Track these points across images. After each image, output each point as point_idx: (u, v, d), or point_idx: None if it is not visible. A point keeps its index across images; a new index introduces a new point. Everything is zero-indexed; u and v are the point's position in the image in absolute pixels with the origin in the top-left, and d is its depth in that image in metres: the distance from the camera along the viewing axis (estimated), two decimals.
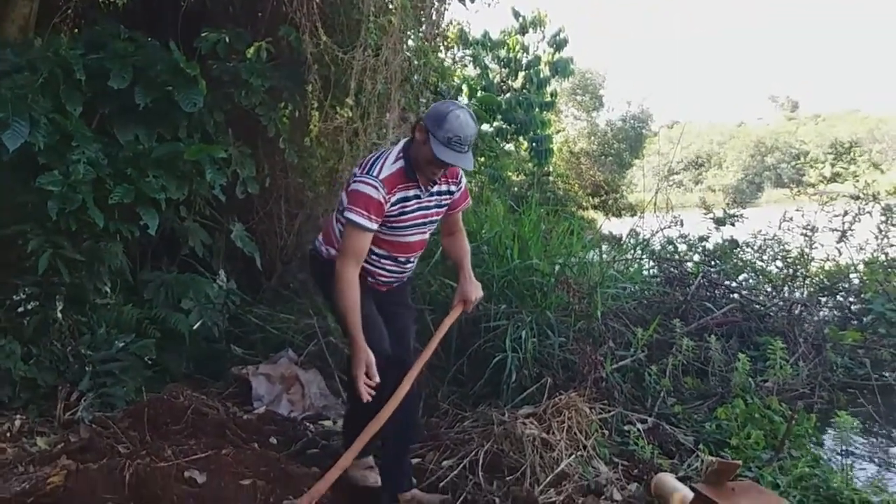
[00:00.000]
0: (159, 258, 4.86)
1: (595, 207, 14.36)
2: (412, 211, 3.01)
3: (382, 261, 3.08)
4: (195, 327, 4.45)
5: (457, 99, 7.09)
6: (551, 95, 8.39)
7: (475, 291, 3.37)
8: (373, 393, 2.84)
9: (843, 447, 3.66)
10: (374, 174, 2.86)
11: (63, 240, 3.86)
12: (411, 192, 2.97)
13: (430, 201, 3.07)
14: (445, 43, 6.19)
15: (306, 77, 4.62)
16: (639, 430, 3.85)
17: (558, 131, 14.46)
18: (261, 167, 4.91)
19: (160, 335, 4.32)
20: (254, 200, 5.19)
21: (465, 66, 8.10)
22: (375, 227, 2.89)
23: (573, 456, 3.40)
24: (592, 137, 18.87)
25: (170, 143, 4.19)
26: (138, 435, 3.34)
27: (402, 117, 5.06)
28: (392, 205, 2.92)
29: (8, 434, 3.54)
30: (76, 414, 3.73)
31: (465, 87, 7.21)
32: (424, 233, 3.16)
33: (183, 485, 2.81)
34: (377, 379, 2.85)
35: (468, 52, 7.78)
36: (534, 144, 8.07)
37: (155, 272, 4.68)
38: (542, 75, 8.11)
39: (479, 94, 7.05)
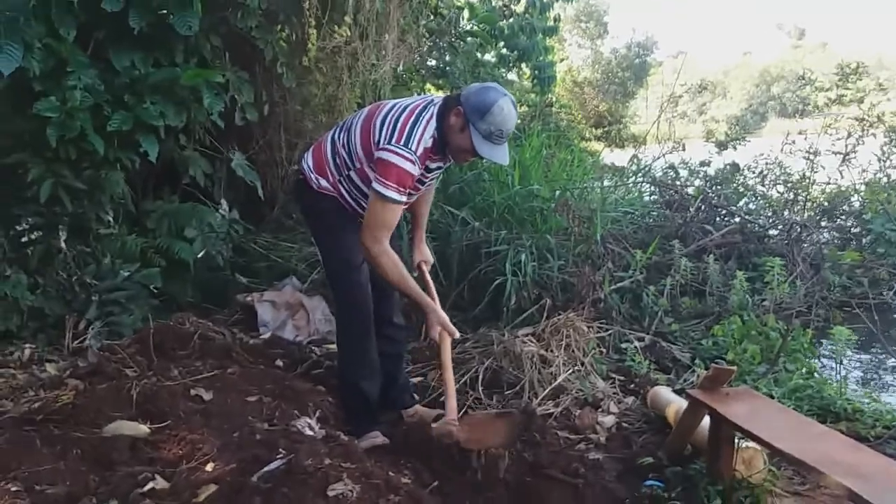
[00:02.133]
0: (161, 188, 4.86)
1: (598, 139, 14.23)
2: (430, 179, 2.97)
3: None
4: (199, 256, 4.48)
5: (458, 23, 6.93)
6: (555, 20, 8.19)
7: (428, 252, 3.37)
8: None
9: (838, 359, 3.73)
10: (413, 148, 2.67)
11: (63, 168, 3.84)
12: (434, 165, 2.87)
13: (444, 167, 3.05)
14: None
15: None
16: (636, 347, 3.93)
17: (562, 60, 14.20)
18: (259, 95, 4.84)
19: (165, 264, 4.35)
20: (253, 130, 5.14)
21: None
22: (406, 198, 2.78)
23: (571, 371, 3.48)
24: (596, 66, 18.55)
25: (166, 68, 4.12)
26: (145, 359, 3.40)
27: (401, 38, 4.96)
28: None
29: (18, 362, 3.61)
30: (84, 342, 3.79)
31: (466, 11, 7.04)
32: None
33: (189, 401, 2.89)
34: (457, 334, 2.95)
35: None
36: (536, 72, 7.94)
37: (157, 202, 4.68)
38: None
39: (480, 15, 6.88)
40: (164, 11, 3.96)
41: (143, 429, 2.66)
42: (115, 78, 3.97)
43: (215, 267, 4.70)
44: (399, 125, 2.72)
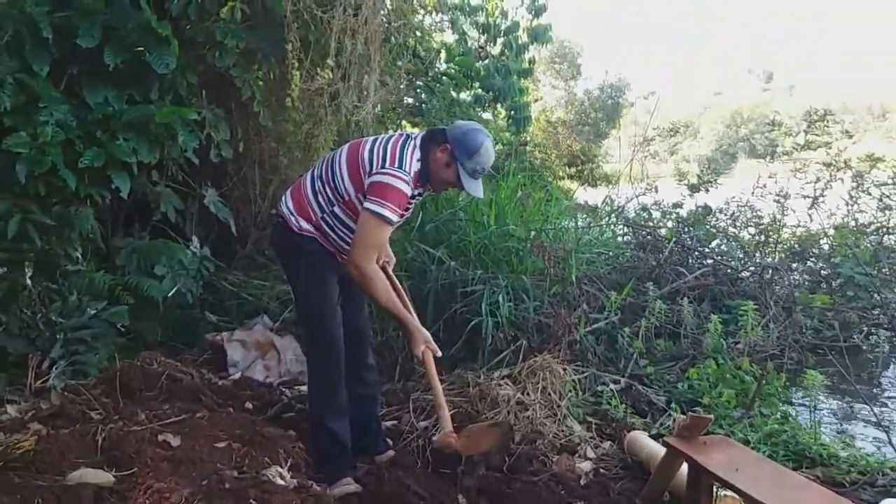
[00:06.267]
0: (131, 224, 4.78)
1: (571, 177, 14.36)
2: (412, 206, 3.06)
3: None
4: (170, 294, 4.40)
5: (434, 65, 7.03)
6: (529, 62, 8.32)
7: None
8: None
9: (812, 403, 3.75)
10: (406, 169, 2.82)
11: (32, 204, 3.77)
12: (417, 192, 2.98)
13: (421, 196, 3.18)
14: (424, 6, 6.16)
15: (286, 36, 4.53)
16: (612, 390, 3.91)
17: (536, 100, 14.39)
18: (234, 131, 4.82)
19: (133, 302, 4.26)
20: (227, 166, 5.11)
21: (444, 30, 8.01)
22: (399, 220, 2.90)
23: (547, 415, 3.44)
24: (570, 107, 18.81)
25: (141, 105, 4.09)
26: (111, 401, 3.31)
27: (381, 80, 5.00)
28: None
29: None
30: (48, 382, 3.66)
31: (443, 53, 7.13)
32: None
33: (157, 448, 2.79)
34: (439, 353, 3.06)
35: (446, 17, 7.68)
36: (512, 112, 8.04)
37: (127, 238, 4.60)
38: (520, 41, 8.04)
39: (456, 59, 6.98)
40: (141, 49, 3.94)
41: (108, 477, 2.57)
42: (88, 114, 3.94)
43: (185, 305, 4.61)
44: (389, 151, 2.86)
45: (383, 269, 3.23)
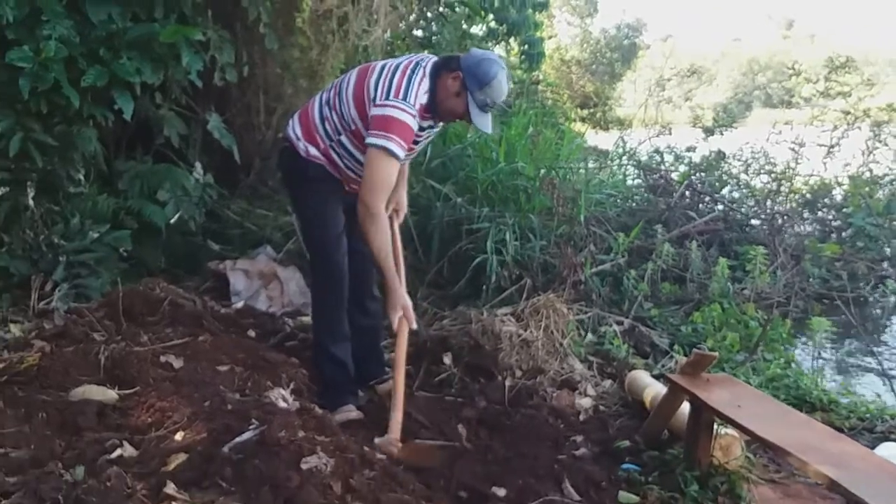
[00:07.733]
0: (133, 148, 4.70)
1: (583, 120, 14.13)
2: (422, 141, 2.98)
3: None
4: (172, 220, 4.36)
5: None
6: None
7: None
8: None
9: (816, 350, 3.74)
10: (411, 101, 2.68)
11: (34, 122, 3.70)
12: (426, 123, 2.86)
13: (434, 131, 3.06)
14: None
15: None
16: (615, 331, 3.90)
17: (550, 37, 14.05)
18: (239, 55, 4.68)
19: (136, 227, 4.23)
20: (231, 92, 4.99)
21: None
22: (406, 155, 2.79)
23: (548, 353, 3.44)
24: (585, 45, 18.42)
25: (144, 23, 3.97)
26: (114, 324, 3.30)
27: (392, 5, 4.84)
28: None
29: None
30: (51, 304, 3.67)
31: None
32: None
33: (159, 368, 2.81)
34: (414, 325, 2.91)
35: None
36: (525, 47, 7.85)
37: (129, 162, 4.53)
38: None
39: None
40: None
41: (111, 394, 2.59)
42: (91, 31, 3.81)
43: (187, 232, 4.57)
44: (395, 82, 2.72)
45: (389, 218, 3.04)
